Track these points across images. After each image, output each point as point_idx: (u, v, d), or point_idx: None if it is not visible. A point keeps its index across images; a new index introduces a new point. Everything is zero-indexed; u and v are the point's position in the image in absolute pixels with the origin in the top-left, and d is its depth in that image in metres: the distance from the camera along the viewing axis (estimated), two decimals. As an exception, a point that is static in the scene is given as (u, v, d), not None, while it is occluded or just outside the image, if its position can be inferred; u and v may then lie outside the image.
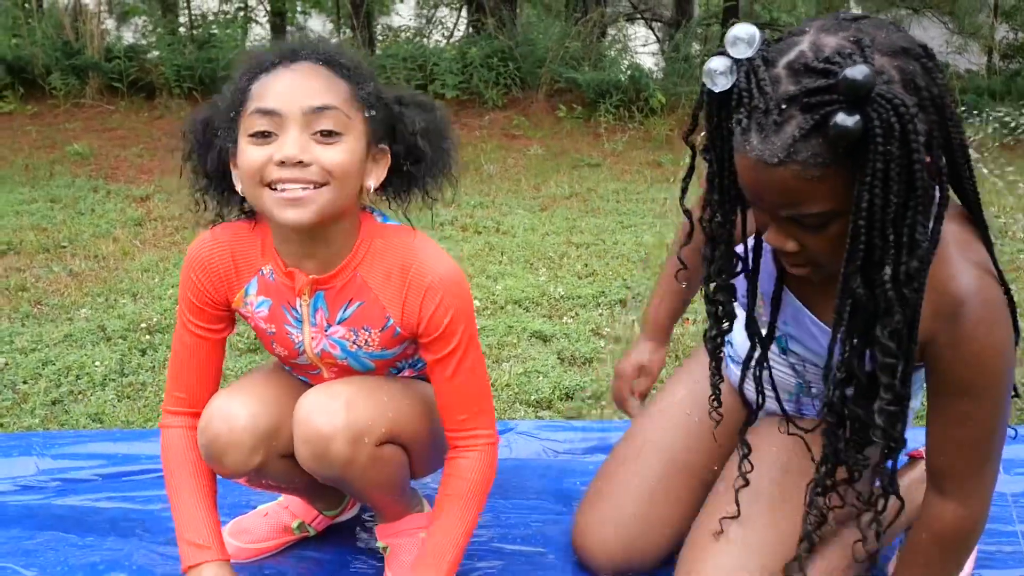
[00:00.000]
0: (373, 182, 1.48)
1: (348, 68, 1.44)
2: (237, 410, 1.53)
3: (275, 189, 1.39)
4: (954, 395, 1.31)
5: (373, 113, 1.44)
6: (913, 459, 1.75)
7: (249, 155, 1.39)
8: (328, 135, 1.39)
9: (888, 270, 1.16)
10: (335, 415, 1.48)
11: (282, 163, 1.37)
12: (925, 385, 1.39)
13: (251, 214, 1.56)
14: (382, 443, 1.53)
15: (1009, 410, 1.35)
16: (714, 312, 1.44)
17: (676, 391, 1.81)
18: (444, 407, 1.57)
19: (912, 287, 1.17)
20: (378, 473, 1.55)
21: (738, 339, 1.66)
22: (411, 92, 1.56)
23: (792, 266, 1.31)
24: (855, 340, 1.24)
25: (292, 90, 1.38)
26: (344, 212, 1.46)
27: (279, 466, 1.55)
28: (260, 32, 9.58)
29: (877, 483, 1.39)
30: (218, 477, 1.60)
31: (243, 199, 1.51)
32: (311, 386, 1.59)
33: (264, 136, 1.38)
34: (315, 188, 1.38)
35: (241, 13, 9.12)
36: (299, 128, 1.37)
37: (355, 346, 1.56)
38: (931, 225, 1.18)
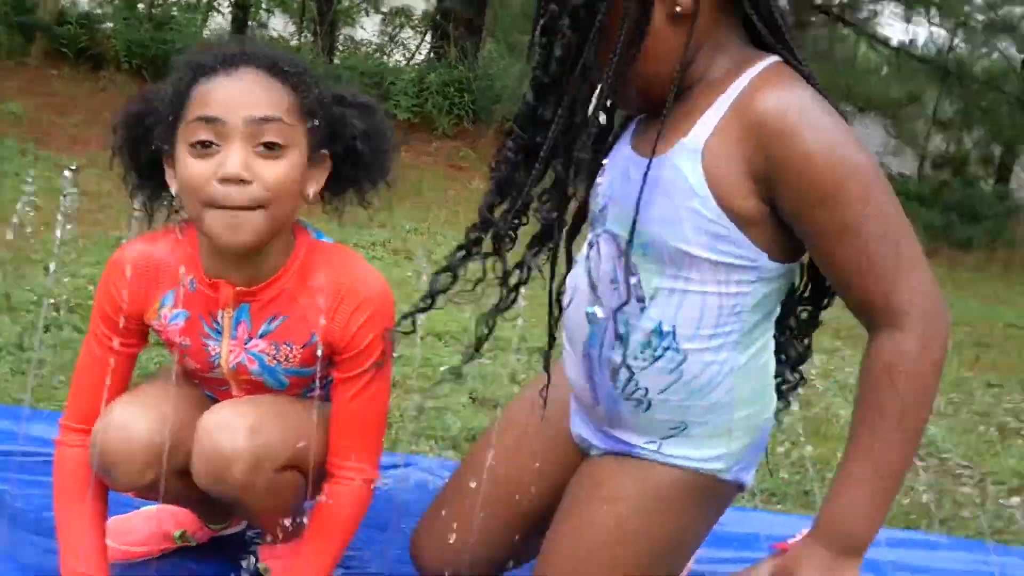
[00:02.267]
0: (313, 188, 1.47)
1: (292, 75, 1.42)
2: (135, 423, 1.47)
3: (215, 207, 1.36)
4: (815, 211, 1.22)
5: (316, 123, 1.43)
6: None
7: (190, 169, 1.37)
8: (271, 147, 1.37)
9: None
10: (238, 436, 1.44)
11: (224, 180, 1.34)
12: (807, 249, 1.32)
13: (179, 212, 1.52)
14: (283, 469, 1.49)
15: (890, 201, 1.23)
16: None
17: (521, 401, 1.69)
18: (335, 429, 1.55)
19: None
20: (274, 498, 1.52)
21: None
22: (352, 91, 1.55)
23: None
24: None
25: (235, 98, 1.37)
26: (283, 226, 1.45)
27: (172, 482, 1.50)
28: (221, 22, 9.46)
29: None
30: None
31: (174, 197, 1.48)
32: (215, 402, 1.55)
33: (205, 147, 1.36)
34: (254, 210, 1.36)
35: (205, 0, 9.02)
36: (241, 140, 1.36)
37: (274, 361, 1.53)
38: None
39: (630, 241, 1.32)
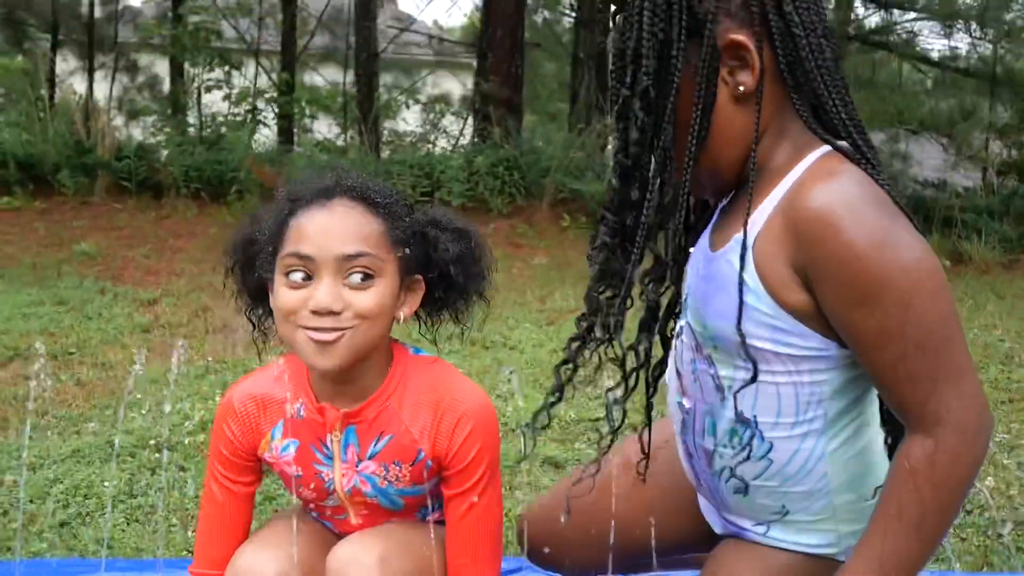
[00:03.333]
0: (405, 312, 1.51)
1: (383, 206, 1.47)
2: (263, 568, 1.49)
3: (307, 329, 1.42)
4: (853, 312, 1.18)
5: (407, 251, 1.48)
6: None
7: (284, 297, 1.43)
8: (361, 280, 1.42)
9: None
10: (370, 570, 1.45)
11: (316, 312, 1.40)
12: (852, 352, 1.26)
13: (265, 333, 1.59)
14: None
15: (935, 306, 1.16)
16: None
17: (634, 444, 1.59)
18: (450, 548, 1.55)
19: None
20: None
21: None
22: (447, 216, 1.60)
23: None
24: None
25: (327, 234, 1.42)
26: (375, 348, 1.48)
27: None
28: (268, 134, 9.72)
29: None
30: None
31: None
32: (338, 535, 1.57)
33: (299, 279, 1.42)
34: (342, 335, 1.41)
35: (251, 115, 9.28)
36: (332, 274, 1.41)
37: (386, 482, 1.54)
38: None
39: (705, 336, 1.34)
